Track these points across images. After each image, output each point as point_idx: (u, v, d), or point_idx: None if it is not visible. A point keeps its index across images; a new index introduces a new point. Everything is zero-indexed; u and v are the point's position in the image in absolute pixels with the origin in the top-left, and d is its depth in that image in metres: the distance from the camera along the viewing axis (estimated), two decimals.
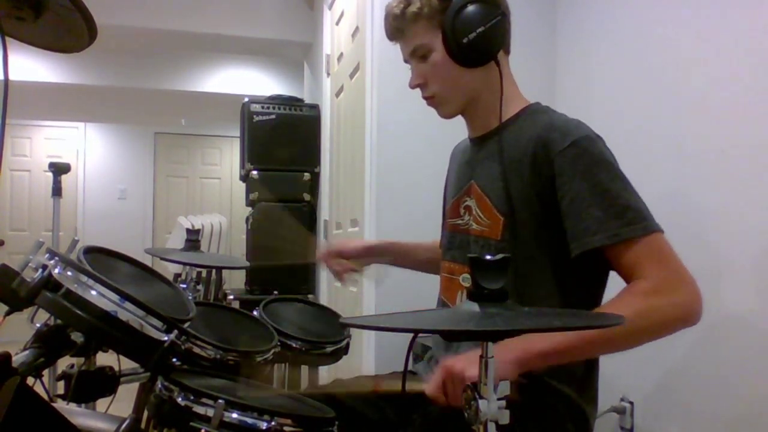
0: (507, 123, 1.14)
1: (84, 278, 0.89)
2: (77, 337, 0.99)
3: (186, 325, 0.99)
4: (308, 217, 3.32)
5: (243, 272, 3.49)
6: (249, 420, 0.85)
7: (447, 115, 1.19)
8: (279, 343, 1.27)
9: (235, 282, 4.61)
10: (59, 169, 2.32)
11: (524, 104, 1.17)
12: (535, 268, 1.05)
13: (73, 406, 1.06)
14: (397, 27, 1.16)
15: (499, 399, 0.67)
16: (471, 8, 1.05)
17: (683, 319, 0.96)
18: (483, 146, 1.18)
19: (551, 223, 1.03)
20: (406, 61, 1.20)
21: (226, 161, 6.69)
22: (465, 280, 1.15)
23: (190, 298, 1.16)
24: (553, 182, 1.02)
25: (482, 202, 1.13)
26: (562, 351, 0.93)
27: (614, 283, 1.05)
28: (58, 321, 0.95)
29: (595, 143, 1.03)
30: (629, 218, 0.96)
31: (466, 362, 0.88)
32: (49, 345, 0.95)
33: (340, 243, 1.42)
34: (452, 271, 1.20)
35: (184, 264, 1.77)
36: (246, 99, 3.41)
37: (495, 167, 1.11)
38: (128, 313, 0.89)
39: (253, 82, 4.80)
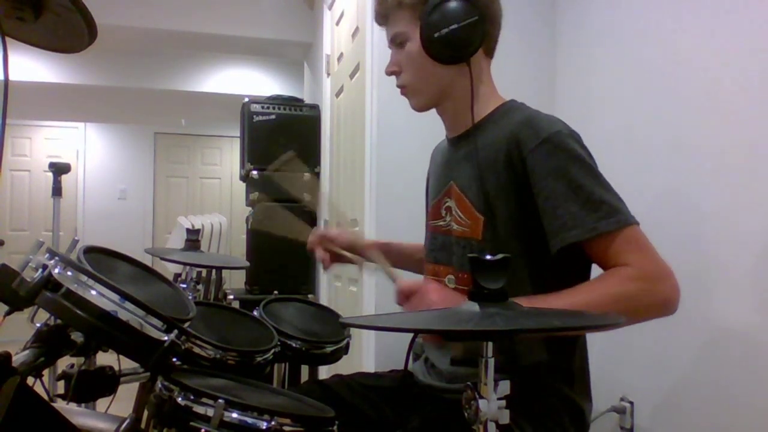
0: (482, 122, 1.14)
1: (84, 278, 0.88)
2: (77, 337, 0.99)
3: (186, 325, 0.99)
4: (308, 217, 3.32)
5: (243, 272, 3.49)
6: (249, 420, 0.85)
7: (418, 107, 1.20)
8: (279, 343, 1.27)
9: (235, 282, 4.61)
10: (59, 169, 2.32)
11: (499, 102, 1.17)
12: (516, 267, 1.05)
13: (73, 406, 1.06)
14: (381, 13, 1.19)
15: (499, 399, 0.67)
16: (449, 4, 1.06)
17: (661, 308, 0.97)
18: (460, 146, 1.18)
19: (529, 221, 1.03)
20: (390, 47, 1.21)
21: (226, 161, 6.69)
22: (450, 281, 1.15)
23: (190, 298, 1.16)
24: (527, 180, 1.03)
25: (462, 202, 1.13)
26: None
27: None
28: (58, 321, 0.95)
29: (566, 139, 1.03)
30: (605, 212, 0.97)
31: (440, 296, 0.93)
32: (49, 345, 0.95)
33: (332, 233, 1.41)
34: (437, 273, 1.19)
35: (184, 264, 1.77)
36: (246, 99, 3.41)
37: (472, 167, 1.12)
38: (128, 313, 0.89)
39: (253, 82, 4.80)
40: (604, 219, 0.97)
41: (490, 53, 1.18)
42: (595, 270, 1.05)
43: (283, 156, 1.40)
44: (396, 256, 1.44)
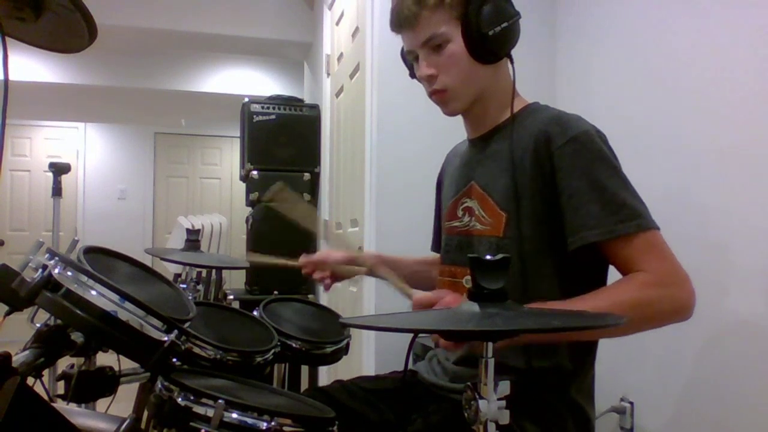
0: (509, 121, 1.14)
1: (84, 278, 0.88)
2: (77, 337, 0.99)
3: (186, 325, 0.99)
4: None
5: (243, 272, 3.49)
6: (249, 420, 0.85)
7: (453, 111, 1.16)
8: (279, 343, 1.27)
9: (235, 282, 4.61)
10: (59, 169, 2.32)
11: (524, 103, 1.18)
12: (537, 263, 1.06)
13: (73, 406, 1.06)
14: (414, 13, 1.11)
15: (499, 399, 0.67)
16: (494, 4, 1.07)
17: (677, 314, 0.97)
18: (485, 145, 1.18)
19: (552, 218, 1.04)
20: (406, 53, 1.18)
21: (226, 161, 6.69)
22: (468, 282, 1.14)
23: (190, 298, 1.15)
24: (553, 177, 1.03)
25: (484, 201, 1.13)
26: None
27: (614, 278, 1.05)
28: (58, 321, 0.95)
29: (594, 139, 1.03)
30: (625, 215, 0.97)
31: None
32: (49, 345, 0.95)
33: (323, 255, 1.40)
34: (454, 274, 1.19)
35: (184, 264, 1.77)
36: (246, 99, 3.42)
37: (497, 165, 1.12)
38: (128, 313, 0.89)
39: (253, 82, 4.80)
40: (625, 222, 0.97)
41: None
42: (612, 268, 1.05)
43: (273, 187, 1.39)
44: (391, 268, 1.43)
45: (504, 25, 1.07)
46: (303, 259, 1.38)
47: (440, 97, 1.14)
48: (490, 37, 1.06)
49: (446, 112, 1.17)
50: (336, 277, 1.37)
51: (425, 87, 1.16)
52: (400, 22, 1.15)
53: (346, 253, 1.39)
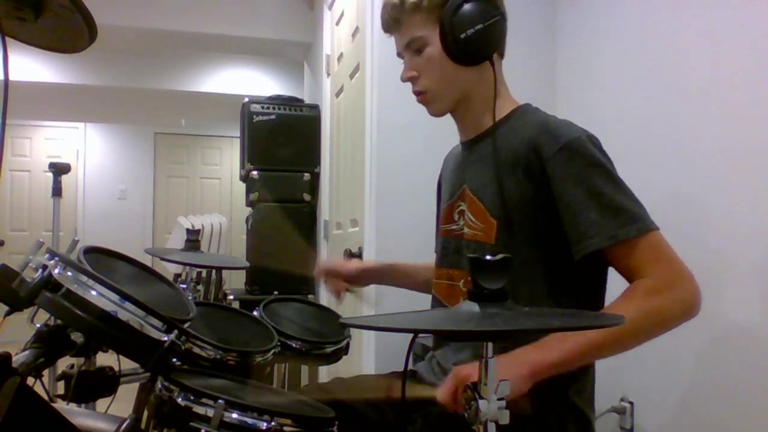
0: (498, 124, 1.13)
1: (84, 278, 0.88)
2: (77, 337, 0.99)
3: (186, 325, 0.99)
4: (308, 217, 3.32)
5: (243, 272, 3.49)
6: (249, 420, 0.85)
7: (436, 112, 1.18)
8: (279, 343, 1.27)
9: (235, 282, 4.61)
10: (59, 169, 2.32)
11: (514, 106, 1.17)
12: (531, 272, 1.04)
13: (73, 406, 1.06)
14: (394, 17, 1.14)
15: (499, 399, 0.67)
16: (471, 5, 1.06)
17: (686, 314, 0.97)
18: (474, 149, 1.17)
19: (547, 226, 1.03)
20: (399, 55, 1.19)
21: (226, 161, 6.69)
22: (465, 285, 1.14)
23: (190, 298, 1.16)
24: (548, 186, 1.02)
25: (475, 206, 1.12)
26: (573, 358, 0.93)
27: (616, 283, 1.05)
28: (58, 321, 0.95)
29: (586, 144, 1.02)
30: (624, 219, 0.97)
31: (473, 368, 0.88)
32: (49, 345, 0.95)
33: (337, 263, 1.42)
34: (452, 277, 1.19)
35: (184, 264, 1.77)
36: (246, 99, 3.41)
37: (487, 170, 1.10)
38: (128, 313, 0.89)
39: (253, 82, 4.80)
40: (623, 227, 0.96)
41: (502, 54, 1.17)
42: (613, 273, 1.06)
43: None
44: (402, 277, 1.43)
45: (479, 27, 1.05)
46: (318, 265, 1.41)
47: (422, 98, 1.16)
48: (464, 40, 1.05)
49: (430, 112, 1.18)
50: (349, 288, 1.40)
51: None
52: (385, 26, 1.18)
53: (355, 266, 1.41)
